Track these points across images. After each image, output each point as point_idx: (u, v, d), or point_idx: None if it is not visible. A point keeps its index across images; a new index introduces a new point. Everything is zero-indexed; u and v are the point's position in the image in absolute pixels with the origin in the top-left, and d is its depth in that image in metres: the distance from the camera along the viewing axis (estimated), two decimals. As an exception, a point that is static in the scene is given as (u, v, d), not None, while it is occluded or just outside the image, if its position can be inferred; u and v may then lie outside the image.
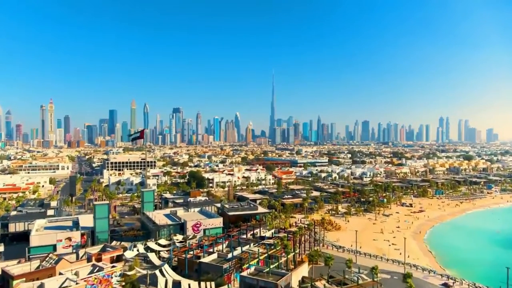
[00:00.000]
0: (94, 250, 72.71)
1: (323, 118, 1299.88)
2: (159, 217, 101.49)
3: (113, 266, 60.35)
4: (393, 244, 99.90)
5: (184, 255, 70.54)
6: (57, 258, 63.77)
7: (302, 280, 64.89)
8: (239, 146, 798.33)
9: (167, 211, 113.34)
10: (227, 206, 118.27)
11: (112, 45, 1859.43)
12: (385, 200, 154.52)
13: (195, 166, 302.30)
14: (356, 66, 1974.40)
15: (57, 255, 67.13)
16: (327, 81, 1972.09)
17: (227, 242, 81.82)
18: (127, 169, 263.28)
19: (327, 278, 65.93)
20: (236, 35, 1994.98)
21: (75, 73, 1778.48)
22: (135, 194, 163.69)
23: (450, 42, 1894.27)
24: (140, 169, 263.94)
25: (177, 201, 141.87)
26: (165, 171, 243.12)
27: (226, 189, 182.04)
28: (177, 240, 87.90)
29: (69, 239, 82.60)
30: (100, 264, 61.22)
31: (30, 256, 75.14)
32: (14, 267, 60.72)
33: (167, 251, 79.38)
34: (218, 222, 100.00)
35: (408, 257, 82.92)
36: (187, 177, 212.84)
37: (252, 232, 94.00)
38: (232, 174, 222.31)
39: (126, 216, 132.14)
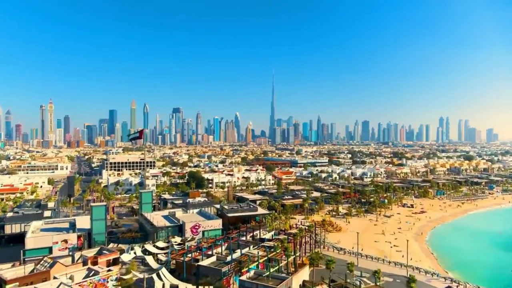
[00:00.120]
0: (91, 253, 71.23)
1: (323, 118, 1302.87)
2: (157, 218, 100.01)
3: (109, 270, 58.98)
4: (394, 245, 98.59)
5: (182, 258, 69.14)
6: (52, 262, 62.24)
7: (303, 284, 63.60)
8: (239, 146, 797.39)
9: (166, 212, 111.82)
10: (226, 207, 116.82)
11: (112, 45, 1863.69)
12: (386, 201, 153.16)
13: (195, 166, 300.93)
14: (356, 66, 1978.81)
15: (52, 258, 65.58)
16: (327, 81, 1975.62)
17: (226, 244, 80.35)
18: (126, 169, 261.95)
19: (329, 282, 64.52)
20: (236, 35, 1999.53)
21: (75, 73, 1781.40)
22: (134, 195, 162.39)
23: (450, 42, 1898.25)
24: (140, 169, 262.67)
25: (176, 202, 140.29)
26: (165, 171, 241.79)
27: (226, 189, 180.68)
28: (175, 242, 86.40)
29: (65, 241, 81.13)
30: (95, 268, 59.77)
31: (26, 259, 73.65)
32: (7, 271, 59.26)
33: (165, 253, 77.91)
34: (217, 223, 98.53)
35: (411, 259, 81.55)
36: (187, 177, 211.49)
37: (251, 234, 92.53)
38: (231, 175, 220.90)
39: (124, 217, 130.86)
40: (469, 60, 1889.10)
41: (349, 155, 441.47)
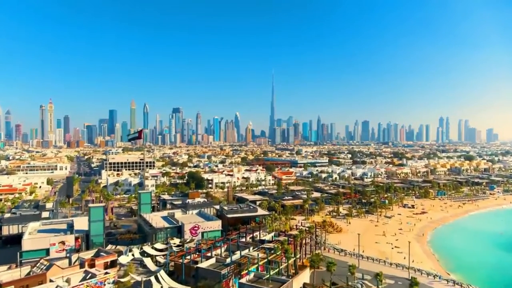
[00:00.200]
0: (88, 254, 70.23)
1: (323, 118, 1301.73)
2: (156, 219, 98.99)
3: (106, 273, 57.97)
4: (396, 247, 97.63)
5: (181, 260, 68.14)
6: (48, 264, 61.25)
7: (303, 286, 62.62)
8: (239, 146, 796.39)
9: (165, 213, 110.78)
10: (226, 208, 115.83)
11: (112, 45, 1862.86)
12: (386, 201, 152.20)
13: (195, 166, 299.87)
14: (356, 66, 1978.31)
15: (48, 261, 64.56)
16: (327, 81, 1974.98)
17: (225, 246, 79.32)
18: (126, 169, 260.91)
19: (330, 285, 63.55)
20: (236, 35, 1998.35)
21: (75, 73, 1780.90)
22: (133, 195, 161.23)
23: (450, 42, 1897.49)
24: (139, 169, 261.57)
25: (175, 202, 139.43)
26: (164, 171, 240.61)
27: (226, 190, 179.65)
28: (174, 244, 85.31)
29: (63, 243, 79.96)
30: (92, 270, 58.79)
31: (22, 261, 72.64)
32: (3, 273, 58.32)
33: (163, 255, 76.89)
34: (217, 224, 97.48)
35: (413, 261, 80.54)
36: (186, 177, 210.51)
37: (251, 235, 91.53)
38: (231, 175, 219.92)
39: (123, 218, 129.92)
40: (469, 60, 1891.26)
41: (349, 155, 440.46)
